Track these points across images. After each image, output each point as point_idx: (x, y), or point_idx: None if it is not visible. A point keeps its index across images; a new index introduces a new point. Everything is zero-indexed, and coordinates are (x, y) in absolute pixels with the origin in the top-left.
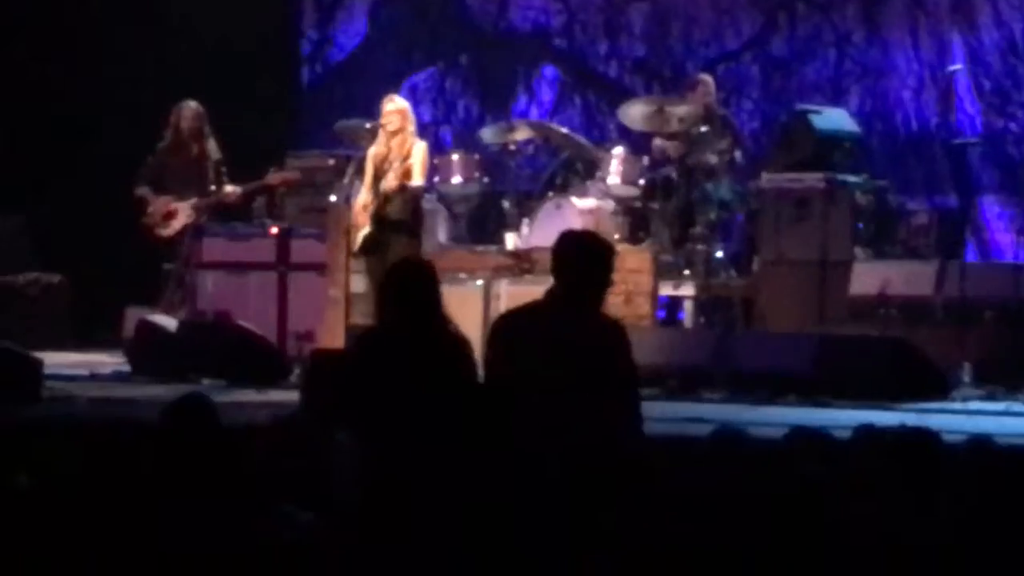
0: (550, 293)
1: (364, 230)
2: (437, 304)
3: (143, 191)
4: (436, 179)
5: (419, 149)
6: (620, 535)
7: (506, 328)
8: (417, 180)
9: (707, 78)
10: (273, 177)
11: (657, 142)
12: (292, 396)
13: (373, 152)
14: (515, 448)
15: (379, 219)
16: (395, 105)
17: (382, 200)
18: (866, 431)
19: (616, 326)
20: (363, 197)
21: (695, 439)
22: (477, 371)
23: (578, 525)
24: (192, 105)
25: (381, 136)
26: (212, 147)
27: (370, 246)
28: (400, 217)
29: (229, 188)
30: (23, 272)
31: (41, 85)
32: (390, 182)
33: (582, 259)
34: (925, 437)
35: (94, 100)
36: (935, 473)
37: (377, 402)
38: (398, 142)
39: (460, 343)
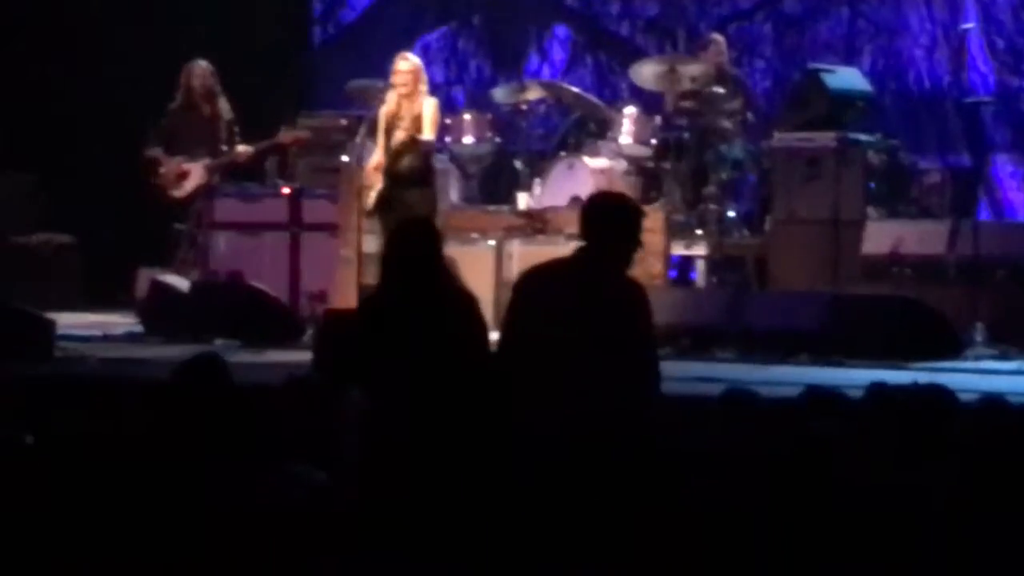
0: (579, 252)
1: (377, 188)
2: (439, 262)
3: (155, 152)
4: (448, 139)
5: (429, 105)
6: (631, 494)
7: (530, 283)
8: (428, 134)
9: (719, 38)
10: (285, 136)
11: (668, 98)
12: (305, 356)
13: (384, 111)
14: (526, 405)
15: (391, 175)
16: (408, 64)
17: (393, 155)
18: (878, 389)
19: (638, 289)
20: (376, 157)
21: (707, 399)
22: (485, 327)
23: (588, 485)
24: (203, 64)
25: (392, 95)
26: (224, 107)
27: (383, 204)
28: (412, 171)
29: (241, 148)
30: (35, 233)
31: (53, 44)
32: (400, 135)
33: (611, 220)
34: (939, 394)
35: (107, 57)
36: (948, 430)
37: (384, 362)
38: (409, 101)
39: (466, 299)
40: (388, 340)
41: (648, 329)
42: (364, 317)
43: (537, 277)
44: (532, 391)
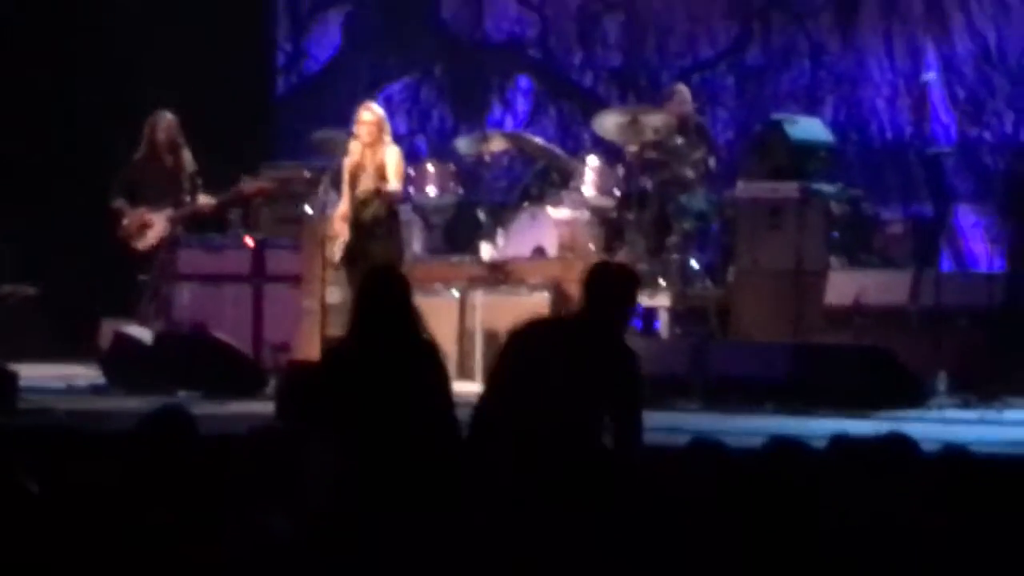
0: (577, 315)
1: (342, 239)
2: (409, 311)
3: (118, 203)
4: (411, 189)
5: (392, 153)
6: (600, 543)
7: (526, 336)
8: (393, 184)
9: (682, 87)
10: (247, 186)
11: (631, 148)
12: (268, 407)
13: (348, 161)
14: (509, 453)
15: (356, 225)
16: (371, 114)
17: (358, 206)
18: (841, 440)
19: (631, 354)
20: (341, 207)
21: (672, 449)
22: (448, 377)
23: (567, 532)
24: (167, 116)
25: (355, 145)
26: (187, 158)
27: (350, 255)
28: (377, 221)
29: (204, 199)
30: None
31: (17, 96)
32: (365, 185)
33: (613, 291)
34: (901, 444)
35: (68, 111)
36: (911, 479)
37: (350, 411)
38: (372, 151)
39: (431, 349)
40: (355, 388)
41: (639, 393)
42: (330, 364)
43: (533, 332)
44: (518, 440)
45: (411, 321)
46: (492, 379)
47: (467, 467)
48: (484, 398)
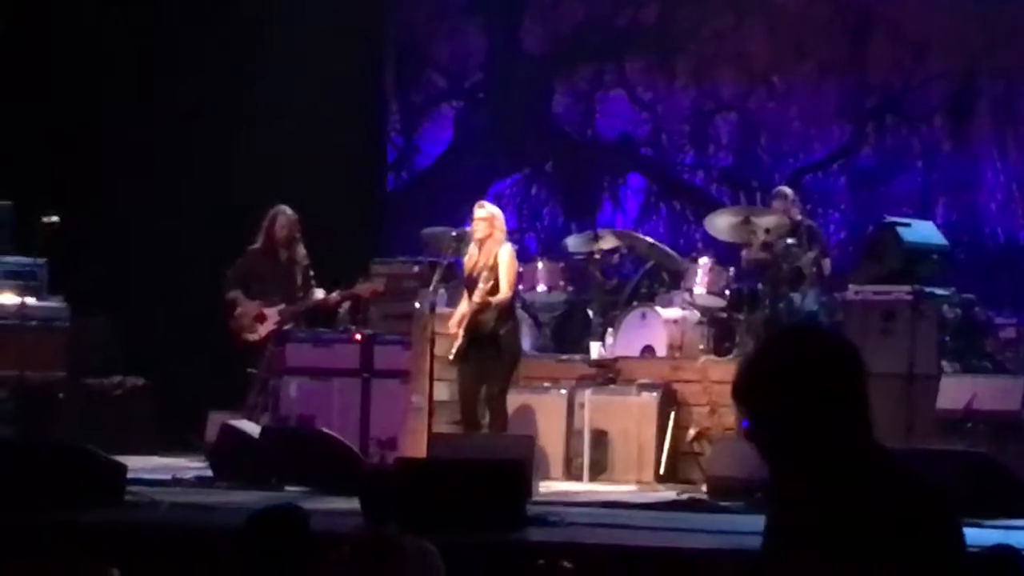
0: None
1: (458, 342)
2: None
3: (234, 294)
4: (521, 287)
5: (504, 254)
6: None
7: None
8: (503, 293)
9: (787, 190)
10: (363, 288)
11: (745, 253)
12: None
13: (467, 260)
14: None
15: (471, 328)
16: (484, 211)
17: (474, 311)
18: None
19: None
20: (462, 307)
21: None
22: None
23: None
24: (288, 213)
25: (472, 244)
26: (301, 252)
27: (463, 355)
28: (489, 330)
29: (318, 293)
30: (108, 376)
31: (128, 191)
32: (480, 286)
33: None
34: (1009, 557)
35: (181, 204)
36: None
37: None
38: (486, 249)
39: None
40: None
41: None
42: None
43: None
44: None
45: None
46: None
47: None
48: None
